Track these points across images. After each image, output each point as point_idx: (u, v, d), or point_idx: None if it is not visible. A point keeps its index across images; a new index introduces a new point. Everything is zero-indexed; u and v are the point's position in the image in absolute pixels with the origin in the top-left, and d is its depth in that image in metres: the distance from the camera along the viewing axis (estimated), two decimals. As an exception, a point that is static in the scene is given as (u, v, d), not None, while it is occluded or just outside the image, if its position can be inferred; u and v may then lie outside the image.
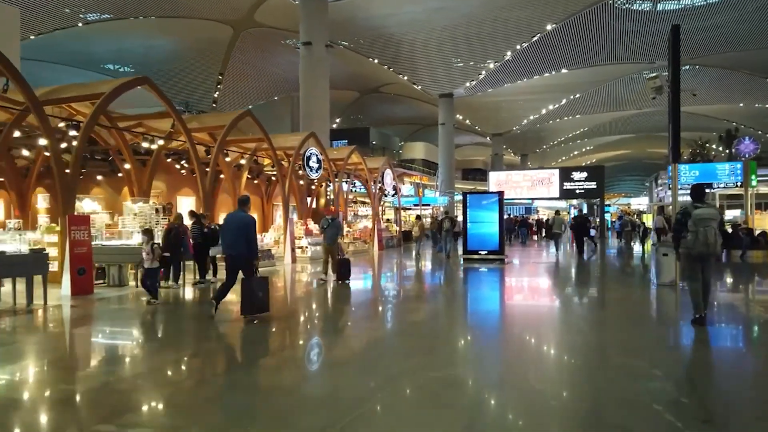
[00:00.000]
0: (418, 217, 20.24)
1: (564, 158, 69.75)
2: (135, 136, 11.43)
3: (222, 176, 15.89)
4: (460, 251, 16.13)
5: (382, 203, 30.12)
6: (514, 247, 22.42)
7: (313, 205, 23.33)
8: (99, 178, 15.90)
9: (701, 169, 18.51)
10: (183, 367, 4.83)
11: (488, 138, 55.24)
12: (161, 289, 8.93)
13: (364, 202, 29.63)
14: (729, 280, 11.66)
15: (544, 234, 27.97)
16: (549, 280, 11.56)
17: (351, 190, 28.63)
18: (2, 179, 13.00)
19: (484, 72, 36.20)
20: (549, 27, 30.55)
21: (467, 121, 50.00)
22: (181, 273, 9.46)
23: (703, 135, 43.63)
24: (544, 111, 46.74)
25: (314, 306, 8.32)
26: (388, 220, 27.96)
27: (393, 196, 24.19)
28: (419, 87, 39.29)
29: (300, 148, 14.17)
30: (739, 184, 16.88)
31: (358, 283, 11.02)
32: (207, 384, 4.26)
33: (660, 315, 7.62)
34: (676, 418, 3.36)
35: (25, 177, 12.73)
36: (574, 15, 29.28)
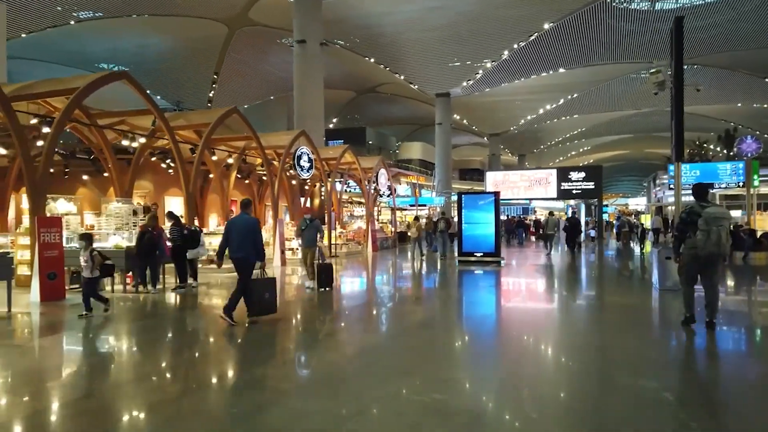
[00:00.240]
0: (417, 218, 19.93)
1: (561, 158, 69.54)
2: (119, 134, 10.99)
3: (211, 176, 15.45)
4: (455, 253, 15.76)
5: (378, 204, 29.75)
6: (513, 248, 22.03)
7: (307, 206, 22.94)
8: (85, 177, 15.44)
9: (702, 169, 18.12)
10: (148, 384, 4.40)
11: (485, 138, 54.98)
12: (137, 294, 8.53)
13: (360, 203, 29.23)
14: (732, 282, 11.29)
15: (540, 235, 27.61)
16: (548, 286, 10.93)
17: (346, 191, 28.25)
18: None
19: (481, 71, 35.91)
20: (546, 26, 30.26)
21: (464, 121, 49.72)
22: (160, 278, 9.02)
23: (701, 135, 43.41)
24: (541, 111, 46.51)
25: (290, 316, 7.40)
26: (384, 221, 27.53)
27: (388, 196, 23.77)
28: (416, 86, 38.98)
29: (290, 146, 13.74)
30: (741, 184, 16.46)
31: (345, 287, 10.51)
32: (165, 406, 3.82)
33: (666, 323, 7.04)
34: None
35: (4, 177, 12.27)
36: (571, 14, 29.00)
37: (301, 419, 3.46)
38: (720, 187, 17.73)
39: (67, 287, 8.54)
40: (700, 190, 6.12)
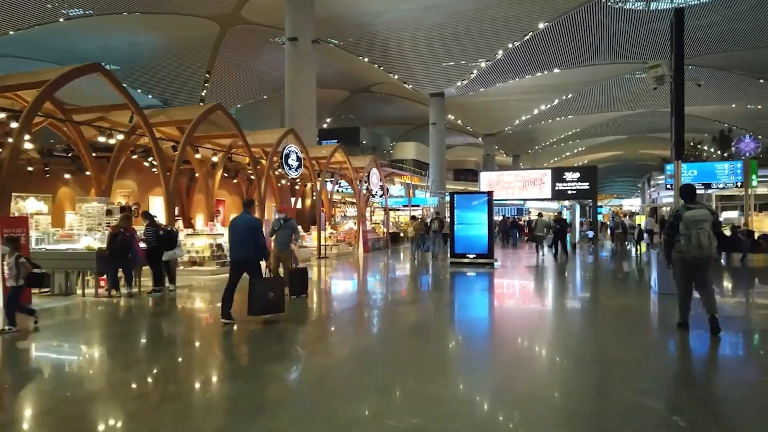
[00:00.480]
0: (413, 218, 19.77)
1: (556, 159, 69.49)
2: (98, 131, 10.52)
3: (198, 175, 15.01)
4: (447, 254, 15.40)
5: (371, 204, 29.36)
6: (507, 249, 21.70)
7: (299, 206, 22.53)
8: (66, 176, 14.97)
9: (700, 169, 17.83)
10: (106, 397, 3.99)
11: (480, 138, 54.82)
12: (109, 298, 8.08)
13: (353, 203, 28.84)
14: (729, 285, 10.97)
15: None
16: (543, 291, 10.26)
17: (338, 191, 27.84)
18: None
19: (475, 71, 35.68)
20: (541, 25, 30.06)
21: (459, 122, 49.51)
22: (134, 280, 8.58)
23: (695, 136, 43.34)
24: (536, 111, 46.38)
25: (257, 328, 6.53)
26: (376, 222, 27.15)
27: (381, 196, 23.39)
28: (410, 86, 38.71)
29: (278, 145, 13.32)
30: (739, 184, 16.19)
31: (325, 292, 9.93)
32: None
33: (666, 329, 6.55)
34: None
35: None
36: (566, 13, 28.80)
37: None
38: (717, 188, 17.42)
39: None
40: (688, 192, 6.03)
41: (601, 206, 42.72)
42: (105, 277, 8.53)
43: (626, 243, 20.84)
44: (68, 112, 10.15)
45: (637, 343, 5.71)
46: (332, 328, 6.82)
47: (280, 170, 14.47)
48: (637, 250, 18.74)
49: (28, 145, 10.03)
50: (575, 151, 67.97)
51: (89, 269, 8.29)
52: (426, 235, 17.47)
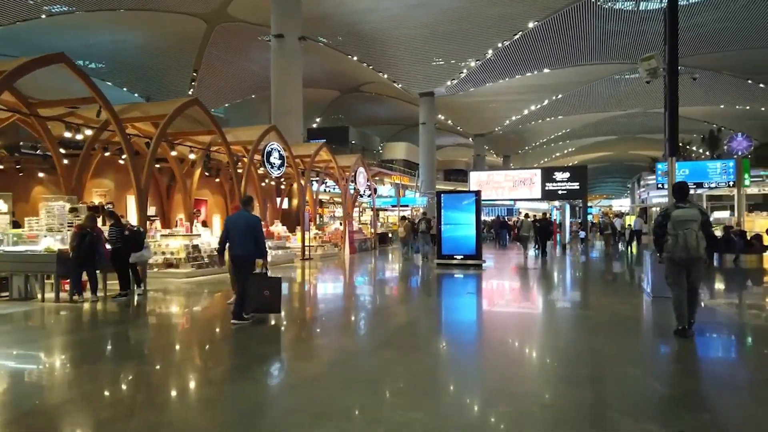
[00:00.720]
0: (404, 218, 19.57)
1: (546, 159, 69.58)
2: (65, 126, 9.97)
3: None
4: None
5: (359, 204, 28.92)
6: (498, 250, 21.38)
7: (285, 206, 22.04)
8: (40, 175, 14.36)
9: (691, 168, 17.61)
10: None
11: (470, 139, 54.67)
12: (71, 303, 7.55)
13: (341, 203, 28.40)
14: (721, 286, 10.69)
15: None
16: (532, 296, 9.72)
17: (325, 191, 27.39)
18: None
19: (465, 71, 35.43)
20: (531, 25, 29.87)
21: (449, 122, 49.29)
22: (100, 284, 8.05)
23: (684, 137, 43.45)
24: (526, 112, 46.30)
25: (215, 339, 6.08)
26: (364, 222, 26.72)
27: (369, 196, 22.98)
28: (399, 85, 38.39)
29: (259, 142, 12.83)
30: (731, 183, 16.00)
31: (293, 298, 9.19)
32: None
33: (665, 339, 5.93)
34: None
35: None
36: (556, 13, 28.66)
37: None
38: (709, 187, 17.20)
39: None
40: (680, 190, 5.85)
41: (590, 207, 42.70)
42: (68, 280, 7.99)
43: (617, 243, 20.59)
44: (33, 106, 9.60)
45: (634, 356, 5.19)
46: (294, 340, 6.09)
47: (261, 169, 13.99)
48: (627, 250, 18.47)
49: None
50: (565, 151, 68.14)
51: (49, 272, 7.76)
52: (415, 235, 17.19)
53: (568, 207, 25.24)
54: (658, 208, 40.96)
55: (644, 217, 27.58)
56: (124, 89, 39.72)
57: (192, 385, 4.37)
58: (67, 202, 9.02)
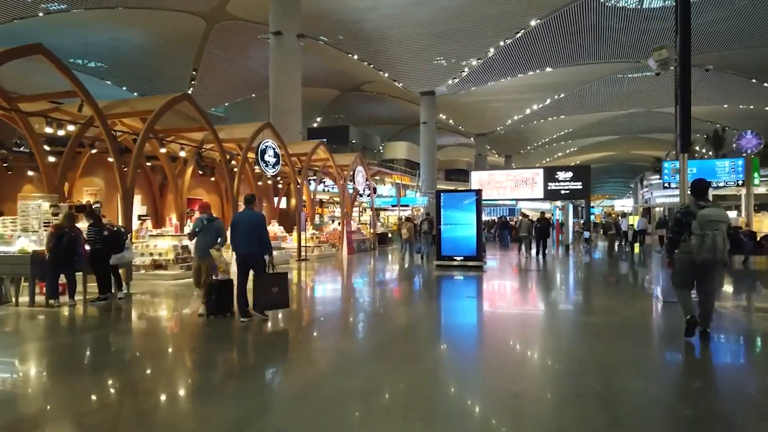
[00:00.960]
0: (408, 219, 19.40)
1: (548, 159, 69.18)
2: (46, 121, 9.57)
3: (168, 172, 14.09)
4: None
5: (359, 204, 28.53)
6: (499, 251, 20.95)
7: (283, 205, 21.65)
8: (30, 173, 13.99)
9: (699, 166, 17.15)
10: None
11: (472, 138, 54.32)
12: (47, 308, 7.14)
13: (340, 203, 28.02)
14: (731, 289, 10.25)
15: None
16: (537, 298, 9.24)
17: (325, 190, 27.01)
18: None
19: (466, 69, 35.07)
20: (533, 23, 29.49)
21: (451, 121, 48.93)
22: (76, 287, 7.64)
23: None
24: (528, 111, 45.95)
25: (165, 356, 5.33)
26: (364, 222, 26.33)
27: (368, 196, 22.59)
28: (400, 84, 38.04)
29: (252, 139, 12.44)
30: (740, 182, 15.53)
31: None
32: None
33: (680, 349, 5.47)
34: None
35: None
36: (558, 11, 28.30)
37: None
38: (717, 186, 16.73)
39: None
40: (700, 187, 5.47)
41: (593, 207, 42.25)
42: (43, 283, 7.59)
43: (622, 244, 20.13)
44: (13, 101, 9.22)
45: (649, 369, 4.70)
46: (263, 359, 5.39)
47: (257, 168, 13.60)
48: (631, 251, 18.01)
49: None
50: (567, 151, 67.76)
51: (23, 274, 7.37)
52: (418, 236, 16.99)
53: (571, 207, 24.82)
54: (661, 209, 40.59)
55: (648, 217, 27.14)
56: (124, 88, 39.49)
57: (165, 399, 4.00)
58: (47, 201, 8.63)
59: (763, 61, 31.95)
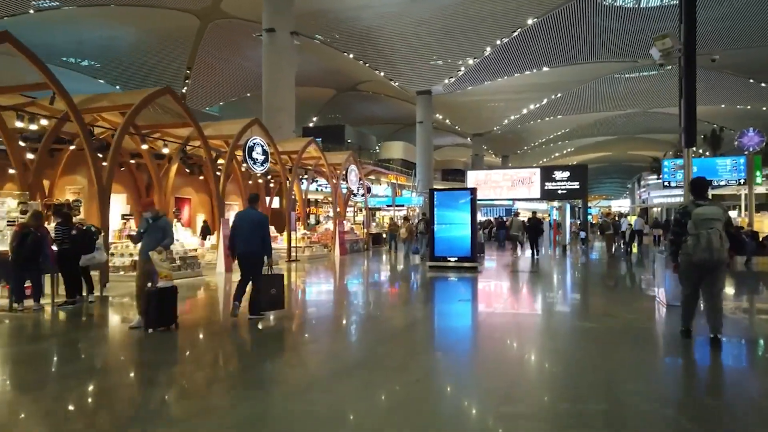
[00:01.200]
0: (405, 218, 19.10)
1: (545, 160, 69.00)
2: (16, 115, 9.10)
3: (151, 170, 13.65)
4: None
5: (354, 204, 28.13)
6: (494, 251, 20.57)
7: (275, 205, 21.22)
8: (11, 171, 13.53)
9: (700, 164, 16.84)
10: None
11: (469, 138, 54.04)
12: (10, 312, 6.69)
13: (332, 202, 27.59)
14: (732, 291, 9.88)
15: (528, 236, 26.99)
16: (535, 303, 8.71)
17: (318, 189, 26.59)
18: None
19: (463, 68, 34.73)
20: (530, 21, 29.19)
21: (447, 121, 48.61)
22: (42, 290, 7.19)
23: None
24: (525, 111, 45.70)
25: (101, 373, 4.67)
26: (357, 222, 25.92)
27: (362, 195, 22.18)
28: (396, 83, 37.66)
29: (240, 136, 12.01)
30: (742, 181, 15.17)
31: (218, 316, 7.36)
32: None
33: (687, 359, 5.10)
34: None
35: None
36: (555, 9, 27.98)
37: None
38: (719, 185, 16.36)
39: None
40: (699, 186, 5.29)
41: (590, 207, 42.03)
42: (7, 285, 7.14)
43: (620, 245, 19.74)
44: (-15, 94, 8.80)
45: (658, 385, 4.22)
46: (260, 360, 4.92)
47: (245, 166, 13.17)
48: (629, 251, 17.61)
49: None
50: (564, 151, 67.62)
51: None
52: (416, 236, 16.77)
53: (568, 207, 24.49)
54: (658, 209, 40.36)
55: (645, 217, 26.88)
56: (117, 87, 39.04)
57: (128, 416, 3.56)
58: (14, 199, 8.18)
59: (761, 61, 31.72)
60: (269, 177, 18.34)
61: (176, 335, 5.79)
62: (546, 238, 23.59)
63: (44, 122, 8.78)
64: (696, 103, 6.41)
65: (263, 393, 4.02)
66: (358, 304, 8.76)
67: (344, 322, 7.11)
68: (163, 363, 4.93)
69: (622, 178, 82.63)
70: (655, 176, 38.88)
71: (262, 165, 12.96)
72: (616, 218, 24.30)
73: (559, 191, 26.63)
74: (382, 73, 36.47)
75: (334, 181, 18.40)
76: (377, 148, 54.30)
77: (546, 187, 26.83)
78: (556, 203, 27.76)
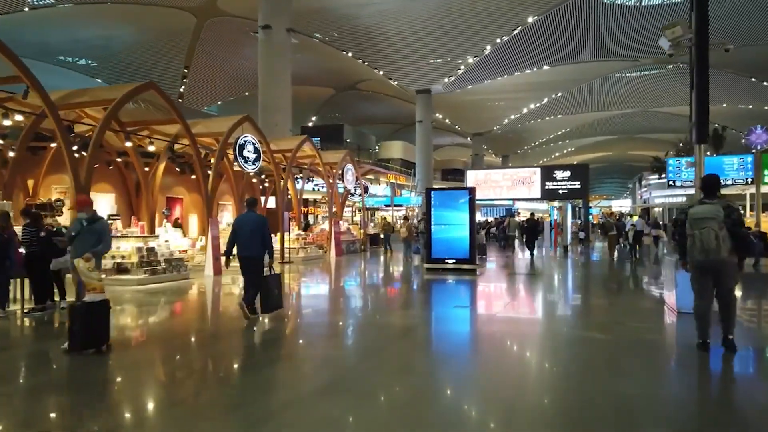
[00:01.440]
0: (406, 218, 18.81)
1: (545, 159, 68.65)
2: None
3: (146, 170, 13.24)
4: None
5: (353, 204, 27.71)
6: (494, 252, 20.16)
7: (271, 205, 20.81)
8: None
9: (706, 163, 16.26)
10: None
11: (468, 138, 53.69)
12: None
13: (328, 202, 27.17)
14: (739, 293, 9.41)
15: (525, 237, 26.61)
16: (537, 310, 8.09)
17: (315, 189, 26.16)
18: None
19: (463, 67, 34.38)
20: (530, 19, 28.85)
21: (447, 121, 48.26)
22: (8, 296, 6.75)
23: (686, 136, 42.35)
24: (525, 110, 45.37)
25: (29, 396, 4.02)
26: (354, 222, 25.50)
27: (359, 195, 21.77)
28: (395, 82, 37.31)
29: (230, 133, 11.60)
30: (749, 180, 14.75)
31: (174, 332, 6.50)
32: None
33: (703, 374, 4.68)
34: None
35: None
36: (555, 7, 27.65)
37: None
38: (725, 184, 15.93)
39: None
40: (709, 184, 5.07)
41: (591, 207, 41.64)
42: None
43: (623, 246, 19.29)
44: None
45: (676, 406, 3.79)
46: (229, 374, 4.55)
47: (236, 164, 12.76)
48: (632, 253, 17.14)
49: None
50: (564, 151, 67.32)
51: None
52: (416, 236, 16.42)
53: (569, 207, 24.05)
54: (660, 209, 39.91)
55: (646, 217, 26.49)
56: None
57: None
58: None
59: (762, 60, 31.34)
60: (264, 176, 17.94)
61: (105, 359, 4.82)
62: (546, 239, 23.17)
63: (19, 118, 8.36)
64: (708, 95, 6.01)
65: (279, 393, 3.68)
66: (344, 311, 8.18)
67: (322, 332, 6.40)
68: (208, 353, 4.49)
69: (623, 178, 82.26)
70: (656, 176, 38.47)
71: (253, 164, 12.55)
72: (618, 218, 23.84)
73: (560, 191, 26.21)
74: (381, 72, 36.14)
75: (330, 181, 17.98)
76: (376, 147, 53.94)
77: (546, 187, 26.41)
78: (556, 203, 27.34)
